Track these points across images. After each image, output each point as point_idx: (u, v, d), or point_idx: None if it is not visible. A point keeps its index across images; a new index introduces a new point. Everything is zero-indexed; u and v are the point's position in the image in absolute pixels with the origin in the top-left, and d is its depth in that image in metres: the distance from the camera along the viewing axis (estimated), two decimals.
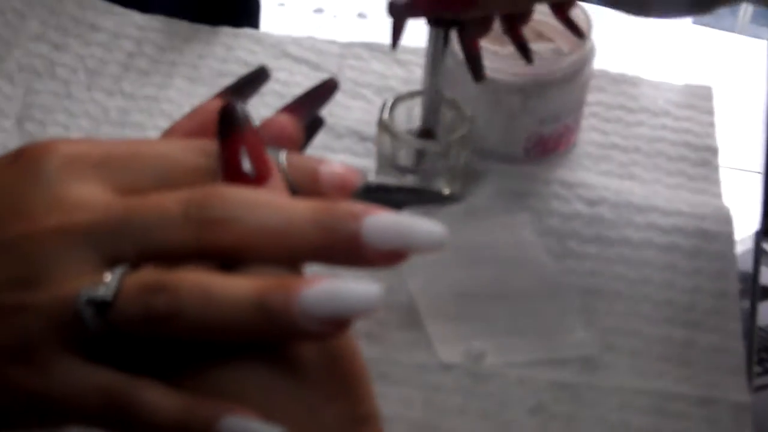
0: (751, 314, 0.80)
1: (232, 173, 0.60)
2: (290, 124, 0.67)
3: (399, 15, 0.78)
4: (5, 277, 0.56)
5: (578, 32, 0.82)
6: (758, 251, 0.84)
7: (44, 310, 0.55)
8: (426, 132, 0.80)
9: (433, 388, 0.73)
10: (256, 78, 0.72)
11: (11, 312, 0.56)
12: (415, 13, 0.78)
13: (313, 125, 0.71)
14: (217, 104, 0.64)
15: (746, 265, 0.83)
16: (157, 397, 0.55)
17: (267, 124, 0.66)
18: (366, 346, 0.73)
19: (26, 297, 0.56)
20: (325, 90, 0.72)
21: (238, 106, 0.61)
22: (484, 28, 0.79)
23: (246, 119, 0.60)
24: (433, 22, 0.77)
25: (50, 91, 0.88)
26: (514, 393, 0.73)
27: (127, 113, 0.87)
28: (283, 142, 0.66)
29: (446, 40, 0.77)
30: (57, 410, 0.58)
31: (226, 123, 0.60)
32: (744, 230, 0.85)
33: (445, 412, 0.72)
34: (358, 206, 0.56)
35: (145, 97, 0.88)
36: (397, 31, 0.81)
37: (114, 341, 0.56)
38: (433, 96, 0.79)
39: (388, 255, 0.56)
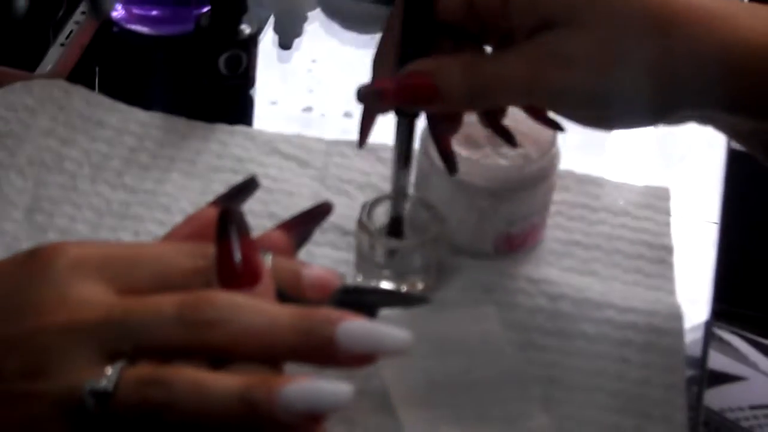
0: (699, 389, 0.83)
1: (225, 273, 0.63)
2: (283, 241, 0.70)
3: (368, 102, 0.79)
4: (17, 368, 0.59)
5: (512, 142, 0.84)
6: (707, 340, 0.87)
7: (52, 399, 0.59)
8: (395, 222, 0.83)
9: None
10: (246, 187, 0.75)
11: (22, 399, 0.59)
12: (382, 105, 0.79)
13: (305, 237, 0.74)
14: (212, 212, 0.69)
15: (697, 351, 0.86)
16: None
17: (262, 238, 0.69)
18: (341, 430, 0.77)
19: (36, 386, 0.59)
20: (320, 213, 0.74)
21: (237, 210, 0.65)
22: (453, 123, 0.82)
23: (243, 223, 0.64)
24: (397, 112, 0.80)
25: (58, 183, 0.90)
26: None
27: (128, 206, 0.89)
28: (273, 251, 0.68)
29: (411, 131, 0.80)
30: None
31: (224, 225, 0.63)
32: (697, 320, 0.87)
33: None
34: (334, 314, 0.60)
35: (144, 191, 0.90)
36: (365, 127, 0.84)
37: (114, 427, 0.59)
38: (399, 188, 0.82)
39: (359, 358, 0.60)
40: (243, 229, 0.64)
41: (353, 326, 0.60)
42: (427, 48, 0.77)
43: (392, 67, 0.79)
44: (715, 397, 1.05)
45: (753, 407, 1.05)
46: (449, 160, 0.82)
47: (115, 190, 0.91)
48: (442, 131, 0.82)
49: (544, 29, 0.73)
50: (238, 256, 0.63)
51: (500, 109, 0.83)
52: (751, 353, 1.11)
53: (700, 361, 0.85)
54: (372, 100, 0.79)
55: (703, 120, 0.80)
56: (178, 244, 0.66)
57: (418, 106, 0.79)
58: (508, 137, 0.83)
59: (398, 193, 0.82)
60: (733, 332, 1.13)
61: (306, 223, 0.74)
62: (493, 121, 0.83)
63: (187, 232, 0.70)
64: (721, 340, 1.12)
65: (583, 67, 0.73)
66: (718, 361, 1.09)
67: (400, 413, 0.79)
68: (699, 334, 0.87)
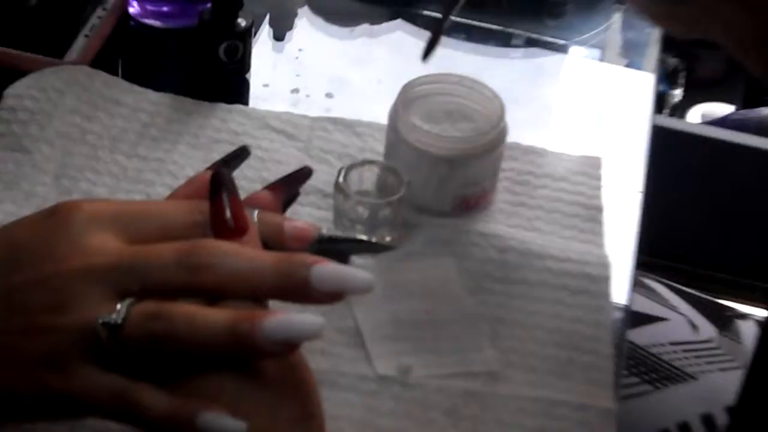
0: (623, 328, 0.84)
1: (217, 226, 0.64)
2: (270, 200, 0.71)
3: None
4: (41, 304, 0.61)
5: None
6: (631, 286, 0.88)
7: (70, 331, 0.60)
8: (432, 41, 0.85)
9: (371, 394, 0.77)
10: (239, 155, 0.76)
11: (45, 331, 0.60)
12: None
13: (291, 199, 0.74)
14: (209, 175, 0.69)
15: (623, 296, 0.86)
16: (153, 398, 0.60)
17: (252, 197, 0.71)
18: (319, 360, 0.77)
19: (57, 320, 0.60)
20: (301, 175, 0.75)
21: (226, 173, 0.66)
22: None
23: (231, 184, 0.65)
24: None
25: (81, 153, 0.91)
26: (433, 399, 0.77)
27: (140, 172, 0.90)
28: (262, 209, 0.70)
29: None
30: (77, 406, 0.62)
31: (216, 186, 0.64)
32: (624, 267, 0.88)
33: (379, 413, 0.76)
34: (309, 258, 0.62)
35: (155, 159, 0.91)
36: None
37: (123, 355, 0.60)
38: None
39: (329, 295, 0.61)
40: (232, 189, 0.65)
41: (324, 269, 0.61)
42: None
43: None
44: (641, 335, 1.06)
45: (673, 343, 1.06)
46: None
47: (129, 159, 0.92)
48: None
49: None
50: (227, 212, 0.64)
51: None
52: (672, 297, 1.12)
53: (625, 305, 0.86)
54: None
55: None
56: (180, 202, 0.67)
57: None
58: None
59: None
60: (656, 280, 1.14)
61: (289, 184, 0.74)
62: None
63: (187, 192, 0.70)
64: (646, 287, 1.13)
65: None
66: (643, 304, 1.10)
67: (369, 346, 0.80)
68: (626, 282, 0.87)
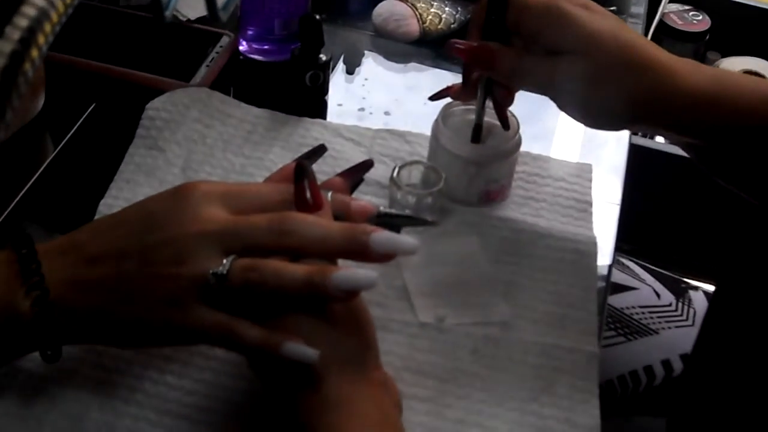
0: (604, 294, 0.82)
1: (299, 203, 0.63)
2: (341, 183, 0.70)
3: (450, 53, 0.79)
4: (167, 258, 0.61)
5: (506, 125, 0.83)
6: (612, 258, 0.85)
7: (188, 279, 0.60)
8: (477, 128, 0.84)
9: (414, 336, 0.75)
10: (318, 151, 0.75)
11: (170, 279, 0.60)
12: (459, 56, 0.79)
13: (357, 184, 0.74)
14: (294, 165, 0.68)
15: (605, 270, 0.84)
16: (249, 331, 0.59)
17: (328, 181, 0.70)
18: (375, 310, 0.75)
19: (179, 271, 0.60)
20: (365, 165, 0.74)
21: (307, 164, 0.64)
22: (507, 97, 0.82)
23: (311, 172, 0.64)
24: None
25: (201, 152, 0.90)
26: (461, 341, 0.75)
27: (245, 167, 0.89)
28: (334, 191, 0.68)
29: (488, 86, 0.81)
30: (192, 336, 0.62)
31: (299, 173, 0.63)
32: (607, 248, 0.86)
33: (420, 350, 0.74)
34: (369, 227, 0.61)
35: (256, 158, 0.90)
36: (466, 78, 0.82)
37: (228, 299, 0.60)
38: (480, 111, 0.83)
39: (384, 256, 0.60)
40: (311, 176, 0.64)
41: (380, 235, 0.61)
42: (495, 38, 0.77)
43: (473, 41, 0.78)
44: (618, 300, 1.04)
45: (641, 306, 1.05)
46: (504, 121, 0.83)
47: (236, 157, 0.90)
48: (500, 102, 0.82)
49: (559, 54, 0.73)
50: (308, 193, 0.63)
51: (507, 102, 0.82)
52: (642, 273, 1.10)
53: (607, 276, 0.84)
54: (454, 52, 0.78)
55: (652, 132, 0.81)
56: (272, 184, 0.67)
57: (480, 66, 0.78)
58: (504, 122, 0.83)
59: (479, 113, 0.83)
60: (630, 259, 1.12)
61: (356, 172, 0.74)
62: (499, 109, 0.82)
63: (278, 177, 0.70)
64: (623, 264, 1.11)
65: (579, 84, 0.73)
66: (620, 277, 1.08)
67: (413, 300, 0.78)
68: (607, 260, 0.85)
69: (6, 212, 0.84)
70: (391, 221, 0.68)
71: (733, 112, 0.72)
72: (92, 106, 0.95)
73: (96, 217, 0.82)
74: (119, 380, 0.69)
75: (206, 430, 0.67)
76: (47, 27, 0.45)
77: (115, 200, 0.84)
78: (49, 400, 0.67)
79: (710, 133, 0.73)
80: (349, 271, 0.59)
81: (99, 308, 0.61)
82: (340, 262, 0.63)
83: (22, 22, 0.44)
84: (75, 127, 0.93)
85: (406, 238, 0.61)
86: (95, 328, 0.63)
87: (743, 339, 0.71)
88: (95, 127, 0.94)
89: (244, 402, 0.69)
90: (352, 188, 0.72)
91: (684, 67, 0.73)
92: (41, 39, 0.45)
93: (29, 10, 0.45)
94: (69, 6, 0.46)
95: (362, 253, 0.60)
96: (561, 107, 0.77)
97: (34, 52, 0.45)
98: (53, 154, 0.90)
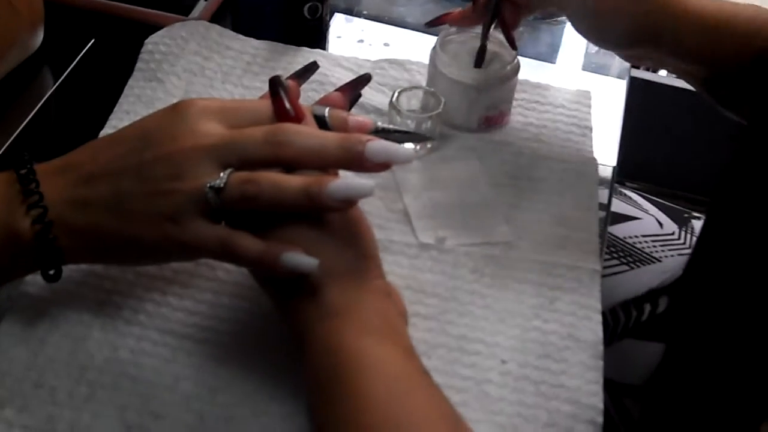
0: (605, 222, 0.81)
1: (280, 116, 0.62)
2: (339, 98, 0.69)
3: None
4: (164, 174, 0.60)
5: (514, 46, 0.82)
6: (611, 186, 0.85)
7: (186, 193, 0.59)
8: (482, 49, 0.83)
9: (415, 257, 0.75)
10: (310, 68, 0.73)
11: (167, 194, 0.59)
12: None
13: (355, 99, 0.72)
14: (289, 83, 0.67)
15: (605, 199, 0.83)
16: (248, 243, 0.59)
17: (325, 96, 0.69)
18: (377, 232, 0.73)
19: (177, 185, 0.59)
20: (363, 80, 0.73)
21: (279, 78, 0.64)
22: (514, 18, 0.81)
23: (285, 84, 0.64)
24: None
25: (201, 83, 0.89)
26: (462, 261, 0.75)
27: (244, 97, 0.88)
28: (333, 106, 0.68)
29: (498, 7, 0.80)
30: (192, 250, 0.61)
31: (274, 87, 0.63)
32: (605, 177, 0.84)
33: (421, 270, 0.74)
34: (364, 136, 0.60)
35: (255, 88, 0.88)
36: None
37: (226, 212, 0.59)
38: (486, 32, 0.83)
39: (380, 165, 0.59)
40: (286, 87, 0.64)
41: (376, 144, 0.60)
42: None
43: None
44: (621, 230, 1.03)
45: (644, 236, 1.04)
46: (512, 42, 0.82)
47: (236, 88, 0.89)
48: (508, 22, 0.81)
49: None
50: (287, 104, 0.62)
51: (515, 22, 0.82)
52: (644, 203, 1.09)
53: (607, 205, 0.83)
54: None
55: (656, 62, 0.80)
56: (266, 101, 0.65)
57: None
58: (512, 43, 0.82)
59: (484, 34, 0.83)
60: (633, 190, 1.11)
61: (354, 86, 0.73)
62: (507, 29, 0.81)
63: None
64: (626, 195, 1.10)
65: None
66: (624, 208, 1.07)
67: (414, 222, 0.78)
68: (607, 189, 0.84)
69: (6, 146, 0.83)
70: (388, 137, 0.67)
71: (738, 38, 0.72)
72: (91, 42, 0.94)
73: None
74: (121, 302, 0.69)
75: (209, 348, 0.66)
76: None
77: (115, 130, 0.82)
78: (52, 321, 0.67)
79: (715, 60, 0.73)
80: (344, 180, 0.58)
81: (98, 226, 0.61)
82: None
83: None
84: (74, 63, 0.92)
85: (402, 147, 0.60)
86: (95, 246, 0.62)
87: (733, 263, 0.71)
88: (95, 62, 0.93)
89: (246, 320, 0.68)
90: (351, 103, 0.71)
91: None
92: None
93: None
94: None
95: (358, 162, 0.59)
96: (570, 20, 0.78)
97: None
98: (52, 89, 0.89)
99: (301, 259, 0.57)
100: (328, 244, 0.59)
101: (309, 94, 0.86)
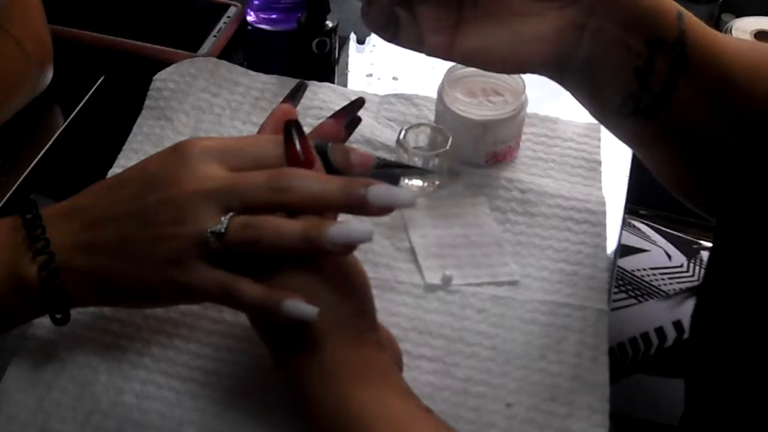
0: (614, 257, 0.80)
1: (291, 161, 0.62)
2: (333, 125, 0.69)
3: None
4: (167, 218, 0.59)
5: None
6: (622, 222, 0.84)
7: (189, 237, 0.59)
8: None
9: (421, 297, 0.74)
10: (299, 88, 0.73)
11: (171, 238, 0.59)
12: None
13: (352, 124, 0.72)
14: (283, 108, 0.69)
15: (615, 232, 0.82)
16: (249, 288, 0.58)
17: (320, 125, 0.69)
18: (383, 272, 0.75)
19: (179, 230, 0.59)
20: (356, 105, 0.72)
21: (295, 122, 0.63)
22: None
23: (299, 129, 0.63)
24: None
25: (209, 120, 0.88)
26: (469, 301, 0.74)
27: (252, 133, 0.86)
28: (330, 135, 0.68)
29: None
30: (192, 294, 0.60)
31: (288, 132, 0.63)
32: (616, 211, 0.84)
33: (428, 311, 0.73)
34: (366, 180, 0.60)
35: None
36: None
37: (227, 256, 0.59)
38: None
39: (382, 209, 0.59)
40: (300, 133, 0.63)
41: (378, 188, 0.59)
42: None
43: None
44: (629, 263, 1.02)
45: (653, 268, 1.03)
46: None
47: (245, 125, 0.89)
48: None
49: None
50: (299, 149, 0.62)
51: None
52: (653, 235, 1.08)
53: (617, 238, 0.82)
54: None
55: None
56: (268, 137, 0.65)
57: None
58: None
59: None
60: (641, 222, 1.10)
61: (348, 112, 0.72)
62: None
63: (271, 127, 0.68)
64: (634, 226, 1.09)
65: None
66: (632, 240, 1.06)
67: (420, 261, 0.77)
68: (617, 222, 0.83)
69: (17, 184, 0.83)
70: (391, 171, 0.66)
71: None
72: (101, 79, 0.94)
73: None
74: (127, 345, 0.69)
75: (214, 392, 0.66)
76: None
77: (123, 169, 0.82)
78: (59, 364, 0.67)
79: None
80: (343, 224, 0.57)
81: (104, 270, 0.61)
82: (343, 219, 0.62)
83: None
84: (84, 100, 0.92)
85: (404, 190, 0.60)
86: (101, 290, 0.62)
87: (742, 293, 0.69)
88: (104, 99, 0.93)
89: (250, 364, 0.68)
90: (349, 128, 0.71)
91: None
92: None
93: None
94: None
95: (361, 207, 0.59)
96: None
97: None
98: (63, 126, 0.89)
99: (302, 306, 0.57)
100: (328, 298, 0.59)
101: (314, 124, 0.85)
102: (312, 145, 0.63)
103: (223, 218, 0.58)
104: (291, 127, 0.63)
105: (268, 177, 0.59)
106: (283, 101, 0.71)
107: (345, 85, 0.97)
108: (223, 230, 0.57)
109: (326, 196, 0.59)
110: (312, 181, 0.59)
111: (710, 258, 0.71)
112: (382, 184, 0.59)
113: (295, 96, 0.72)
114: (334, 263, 0.59)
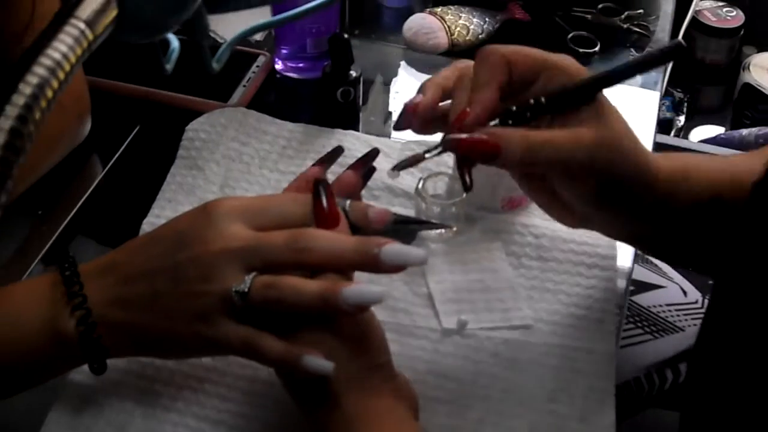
0: (625, 293, 0.83)
1: (318, 220, 0.65)
2: (352, 176, 0.72)
3: (446, 148, 0.69)
4: (195, 275, 0.64)
5: (467, 189, 0.71)
6: (633, 259, 0.86)
7: (215, 295, 0.63)
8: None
9: (438, 341, 0.77)
10: (335, 152, 0.76)
11: (199, 295, 0.63)
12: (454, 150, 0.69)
13: (368, 173, 0.75)
14: (314, 170, 0.72)
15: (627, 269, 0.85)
16: (271, 343, 0.62)
17: (340, 178, 0.72)
18: (402, 317, 0.78)
19: (207, 287, 0.63)
20: (372, 154, 0.76)
21: (325, 180, 0.67)
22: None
23: (327, 189, 0.66)
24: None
25: (238, 170, 0.92)
26: (483, 345, 0.77)
27: (280, 182, 0.91)
28: (349, 187, 0.71)
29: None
30: (218, 347, 0.64)
31: (317, 191, 0.66)
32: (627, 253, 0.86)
33: (444, 355, 0.77)
34: (380, 240, 0.63)
35: (290, 173, 0.92)
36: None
37: (251, 314, 0.63)
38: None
39: (394, 267, 0.62)
40: (328, 191, 0.66)
41: (390, 248, 0.62)
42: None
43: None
44: (645, 299, 1.04)
45: (668, 304, 1.05)
46: (465, 183, 0.70)
47: (272, 173, 0.93)
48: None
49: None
50: (326, 208, 0.65)
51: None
52: (669, 270, 1.10)
53: (628, 275, 0.85)
54: (450, 147, 0.69)
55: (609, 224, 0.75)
56: (292, 196, 0.69)
57: (481, 160, 0.68)
58: (465, 184, 0.70)
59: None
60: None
61: (364, 162, 0.75)
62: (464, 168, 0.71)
63: (297, 186, 0.72)
64: (651, 262, 1.11)
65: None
66: (648, 275, 1.09)
67: (437, 307, 0.80)
68: (629, 259, 0.85)
69: (59, 230, 0.88)
70: (408, 227, 0.70)
71: (694, 187, 0.72)
72: (136, 129, 0.99)
73: (139, 234, 0.85)
74: (161, 389, 0.72)
75: None
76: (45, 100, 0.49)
77: (157, 219, 0.87)
78: (97, 409, 0.71)
79: (666, 216, 0.72)
80: (357, 286, 0.61)
81: (138, 324, 0.65)
82: (358, 275, 0.65)
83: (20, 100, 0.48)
84: (121, 149, 0.97)
85: (416, 250, 0.63)
86: (136, 342, 0.66)
87: (742, 330, 0.72)
88: (140, 148, 0.98)
89: (276, 407, 0.71)
90: (365, 178, 0.74)
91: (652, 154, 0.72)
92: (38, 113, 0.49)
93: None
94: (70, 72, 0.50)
95: (374, 265, 0.63)
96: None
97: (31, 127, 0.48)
98: (101, 175, 0.94)
99: (319, 362, 0.60)
100: (343, 354, 0.62)
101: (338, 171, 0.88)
102: (337, 203, 0.66)
103: (246, 278, 0.62)
104: (319, 185, 0.66)
105: (288, 237, 0.63)
106: (317, 163, 0.74)
107: (371, 124, 1.01)
108: (246, 289, 0.61)
109: (342, 256, 0.63)
110: (328, 241, 0.63)
111: (709, 305, 0.74)
112: (395, 243, 0.62)
113: (329, 160, 0.76)
114: (351, 320, 0.63)
